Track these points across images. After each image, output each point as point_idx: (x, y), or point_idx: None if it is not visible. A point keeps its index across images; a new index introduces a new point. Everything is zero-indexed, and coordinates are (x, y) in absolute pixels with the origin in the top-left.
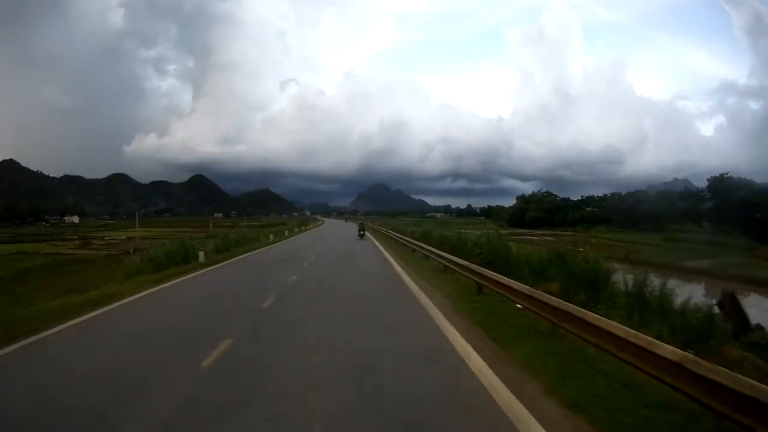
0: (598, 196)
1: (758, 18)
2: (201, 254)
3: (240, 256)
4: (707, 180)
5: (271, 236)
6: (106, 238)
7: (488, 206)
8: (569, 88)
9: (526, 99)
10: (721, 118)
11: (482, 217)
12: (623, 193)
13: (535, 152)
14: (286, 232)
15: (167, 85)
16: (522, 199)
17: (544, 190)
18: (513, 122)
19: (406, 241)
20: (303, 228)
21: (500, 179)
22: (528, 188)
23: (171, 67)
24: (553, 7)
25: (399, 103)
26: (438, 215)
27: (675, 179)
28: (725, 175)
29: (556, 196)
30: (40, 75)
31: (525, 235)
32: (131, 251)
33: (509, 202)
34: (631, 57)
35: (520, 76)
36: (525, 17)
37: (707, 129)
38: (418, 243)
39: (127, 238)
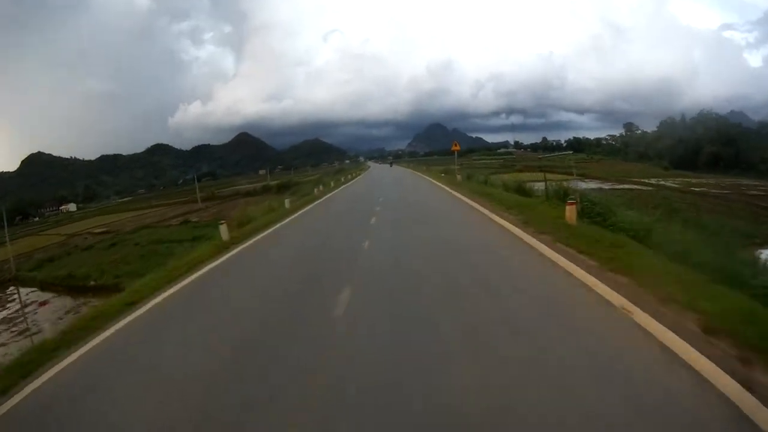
0: None
1: None
2: None
3: None
4: None
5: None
6: None
7: (573, 138)
8: (615, 19)
9: (576, 31)
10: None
11: (570, 152)
12: None
13: (588, 85)
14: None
15: (206, 53)
16: (669, 124)
17: (709, 110)
18: (564, 55)
19: None
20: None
21: (555, 113)
22: (585, 121)
23: (207, 36)
24: None
25: (446, 43)
26: (513, 151)
27: (732, 111)
28: None
29: (725, 119)
30: (74, 70)
31: None
32: None
33: (566, 135)
34: None
35: (566, 7)
36: None
37: (755, 60)
38: None
39: None
